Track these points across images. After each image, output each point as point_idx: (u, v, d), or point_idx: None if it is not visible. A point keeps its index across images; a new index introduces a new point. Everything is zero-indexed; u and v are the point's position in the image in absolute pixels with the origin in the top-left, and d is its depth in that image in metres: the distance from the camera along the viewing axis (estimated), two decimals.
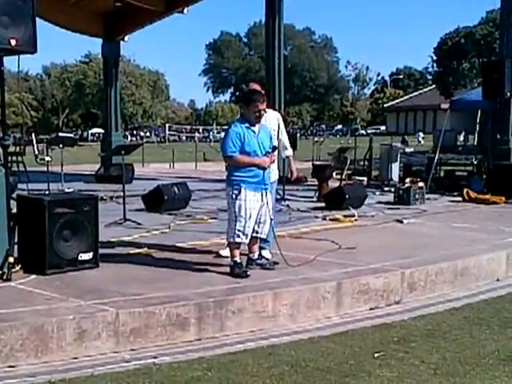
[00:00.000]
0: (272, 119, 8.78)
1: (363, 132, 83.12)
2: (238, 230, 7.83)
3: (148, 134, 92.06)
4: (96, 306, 6.38)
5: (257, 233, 8.06)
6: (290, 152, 9.19)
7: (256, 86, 8.83)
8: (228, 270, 7.95)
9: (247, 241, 7.98)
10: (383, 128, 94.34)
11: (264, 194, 7.97)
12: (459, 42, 50.82)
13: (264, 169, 7.91)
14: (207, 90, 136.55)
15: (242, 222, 7.81)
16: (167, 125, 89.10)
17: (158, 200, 12.99)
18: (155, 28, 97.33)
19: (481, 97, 16.97)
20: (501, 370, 5.89)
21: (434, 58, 60.57)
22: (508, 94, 16.21)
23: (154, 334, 6.37)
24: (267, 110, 8.25)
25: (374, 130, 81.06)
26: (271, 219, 8.13)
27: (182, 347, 6.42)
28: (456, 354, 6.34)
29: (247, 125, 7.89)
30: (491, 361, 6.14)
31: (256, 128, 7.94)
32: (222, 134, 8.80)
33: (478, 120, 20.42)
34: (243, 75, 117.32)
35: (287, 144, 9.16)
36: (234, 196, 7.82)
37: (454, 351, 6.41)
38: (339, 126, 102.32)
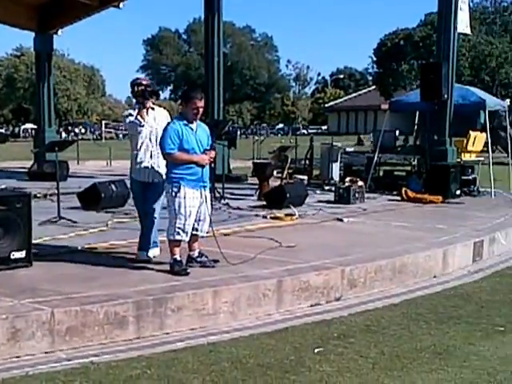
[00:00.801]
0: (160, 116, 8.53)
1: (304, 131, 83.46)
2: (178, 228, 7.81)
3: (83, 130, 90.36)
4: (30, 304, 6.28)
5: (196, 230, 8.05)
6: None
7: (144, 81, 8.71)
8: (168, 267, 7.91)
9: (187, 238, 7.96)
10: (325, 128, 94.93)
11: (203, 191, 7.97)
12: (398, 43, 51.41)
13: (203, 166, 7.91)
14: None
15: (181, 219, 7.80)
16: (103, 122, 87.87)
17: (94, 198, 12.80)
18: (91, 22, 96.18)
19: (419, 98, 17.19)
20: (437, 363, 6.00)
21: (374, 58, 61.19)
22: (445, 95, 16.47)
23: (92, 333, 6.30)
24: (156, 107, 8.40)
25: (315, 130, 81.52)
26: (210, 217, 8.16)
27: (120, 346, 6.36)
28: (394, 348, 6.43)
29: (185, 122, 7.88)
30: (428, 355, 6.25)
31: (194, 125, 7.94)
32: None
33: (416, 121, 20.67)
34: (183, 72, 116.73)
35: None
36: (173, 194, 7.80)
37: (392, 346, 6.50)
38: (280, 125, 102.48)
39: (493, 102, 19.35)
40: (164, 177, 8.15)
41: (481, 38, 41.48)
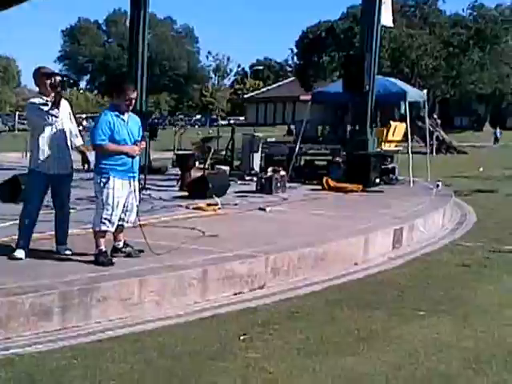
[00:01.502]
0: (63, 106, 8.27)
1: (222, 122, 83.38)
2: (105, 219, 7.79)
3: None
4: None
5: (123, 221, 8.05)
6: (80, 141, 8.60)
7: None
8: (93, 258, 7.88)
9: (113, 229, 7.95)
10: (242, 118, 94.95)
11: (132, 181, 7.99)
12: (320, 35, 51.87)
13: (133, 157, 7.93)
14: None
15: (109, 210, 7.78)
16: (17, 113, 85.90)
17: (14, 190, 12.61)
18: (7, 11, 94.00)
19: (341, 89, 17.42)
20: (361, 347, 6.16)
21: (295, 50, 61.68)
22: (367, 86, 16.75)
23: (17, 324, 6.24)
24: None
25: (233, 121, 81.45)
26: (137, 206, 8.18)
27: (45, 337, 6.30)
28: (318, 334, 6.57)
29: (117, 113, 7.88)
30: (351, 339, 6.42)
31: (125, 117, 7.94)
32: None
33: (337, 112, 21.01)
34: (101, 63, 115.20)
35: (77, 132, 8.62)
36: (102, 184, 7.78)
37: (317, 331, 6.64)
38: (198, 116, 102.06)
39: (413, 92, 19.79)
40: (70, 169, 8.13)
41: (402, 31, 42.16)
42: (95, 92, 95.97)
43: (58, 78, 8.13)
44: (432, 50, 42.88)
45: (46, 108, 7.94)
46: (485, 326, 6.82)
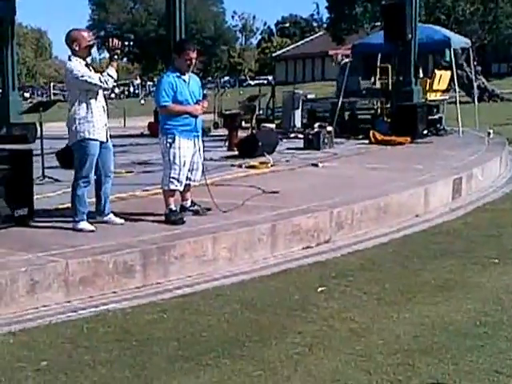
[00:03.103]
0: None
1: (250, 83, 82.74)
2: (173, 178, 7.88)
3: (30, 93, 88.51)
4: (45, 257, 6.34)
5: (190, 180, 8.14)
6: None
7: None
8: (163, 218, 7.99)
9: (181, 188, 8.04)
10: (271, 78, 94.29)
11: (196, 141, 8.07)
12: None
13: (196, 117, 8.01)
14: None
15: (176, 169, 7.87)
16: (52, 84, 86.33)
17: (72, 157, 12.67)
18: None
19: (382, 40, 17.27)
20: (440, 296, 6.20)
21: (324, 3, 60.89)
22: (409, 35, 16.57)
23: (102, 283, 6.40)
24: None
25: (262, 81, 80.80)
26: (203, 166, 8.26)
27: (129, 294, 6.46)
28: (394, 284, 6.62)
29: (178, 74, 7.93)
30: (429, 289, 6.46)
31: (186, 77, 7.99)
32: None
33: (378, 63, 20.75)
34: (129, 30, 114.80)
35: None
36: (168, 144, 7.86)
37: (392, 282, 6.69)
38: (226, 78, 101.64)
39: (457, 39, 19.55)
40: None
41: None
42: (125, 60, 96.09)
43: (116, 41, 7.93)
44: None
45: (110, 71, 7.56)
46: None
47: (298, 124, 19.60)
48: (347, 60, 22.68)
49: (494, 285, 6.48)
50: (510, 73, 71.21)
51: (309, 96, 22.92)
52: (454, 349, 4.95)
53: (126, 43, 7.87)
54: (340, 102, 18.34)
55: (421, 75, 18.67)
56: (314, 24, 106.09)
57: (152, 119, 20.12)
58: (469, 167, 11.68)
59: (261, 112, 22.02)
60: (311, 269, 7.29)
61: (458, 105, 17.05)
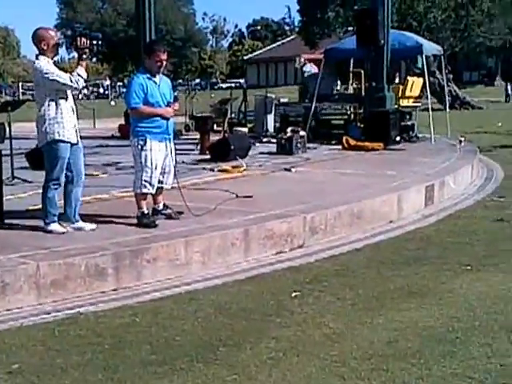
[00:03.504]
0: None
1: (222, 86, 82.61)
2: (145, 181, 7.83)
3: None
4: (16, 259, 6.27)
5: (161, 183, 8.09)
6: None
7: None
8: (135, 221, 7.93)
9: (153, 191, 8.00)
10: (243, 81, 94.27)
11: (168, 143, 8.04)
12: None
13: (167, 119, 7.96)
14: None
15: (148, 172, 7.82)
16: (20, 83, 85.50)
17: (42, 157, 12.54)
18: None
19: (354, 45, 17.28)
20: (414, 302, 6.21)
21: (296, 7, 60.83)
22: (382, 41, 16.60)
23: (74, 285, 6.33)
24: None
25: (234, 84, 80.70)
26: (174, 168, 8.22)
27: (102, 297, 6.41)
28: (368, 290, 6.62)
29: (148, 75, 7.88)
30: (403, 294, 6.46)
31: (157, 79, 7.94)
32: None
33: (350, 69, 20.80)
34: (98, 30, 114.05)
35: None
36: (139, 147, 7.81)
37: (366, 288, 6.69)
38: (197, 80, 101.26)
39: (429, 46, 19.63)
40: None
41: None
42: (94, 60, 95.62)
43: (88, 40, 7.58)
44: (440, 1, 42.43)
45: (78, 72, 7.35)
46: None
47: (271, 128, 19.61)
48: (312, 69, 22.59)
49: (466, 291, 6.49)
50: (481, 81, 71.96)
51: (281, 100, 22.94)
52: (427, 354, 4.96)
53: (95, 42, 7.73)
54: (313, 107, 18.33)
55: (397, 81, 18.74)
56: (286, 27, 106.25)
57: (122, 121, 20.02)
58: (441, 174, 11.72)
59: (233, 115, 21.97)
60: (285, 274, 7.28)
61: (430, 112, 17.13)
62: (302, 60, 22.76)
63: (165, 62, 7.98)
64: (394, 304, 6.17)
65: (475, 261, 7.50)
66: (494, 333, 5.37)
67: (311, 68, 22.78)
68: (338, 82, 21.18)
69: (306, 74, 22.89)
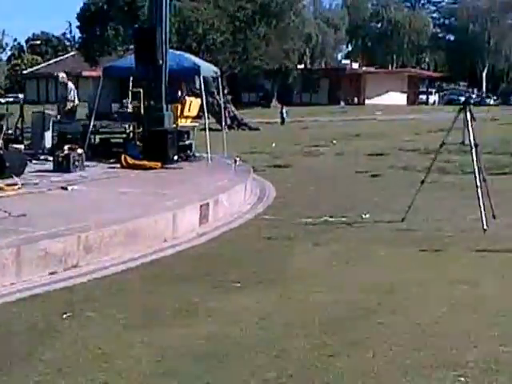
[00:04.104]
0: None
1: (1, 100, 79.84)
2: None
3: None
4: None
5: None
6: None
7: None
8: None
9: None
10: (22, 96, 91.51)
11: None
12: (102, 7, 50.70)
13: None
14: None
15: None
16: None
17: None
18: None
19: (133, 64, 17.32)
20: (184, 319, 6.38)
21: (76, 23, 60.12)
22: (160, 61, 16.77)
23: None
24: None
25: (12, 99, 78.25)
26: None
27: None
28: (140, 308, 6.73)
29: None
30: (174, 312, 6.59)
31: None
32: None
33: (130, 87, 20.78)
34: None
35: None
36: None
37: (138, 306, 6.80)
38: None
39: (207, 68, 20.07)
40: None
41: (187, 4, 42.24)
42: None
43: None
44: (218, 24, 43.57)
45: None
46: (300, 294, 7.20)
47: (49, 145, 19.18)
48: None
49: (234, 307, 6.74)
50: (259, 102, 74.53)
51: (59, 117, 22.48)
52: (194, 371, 5.12)
53: None
54: (91, 125, 18.16)
55: (187, 99, 18.95)
56: (67, 43, 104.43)
57: None
58: (216, 193, 12.00)
59: (10, 132, 21.28)
60: (57, 294, 7.21)
61: (207, 132, 17.49)
62: (62, 76, 22.15)
63: None
64: (166, 322, 6.31)
65: (244, 278, 7.76)
66: (255, 348, 5.59)
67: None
68: (124, 101, 21.00)
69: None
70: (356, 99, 78.11)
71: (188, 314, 6.55)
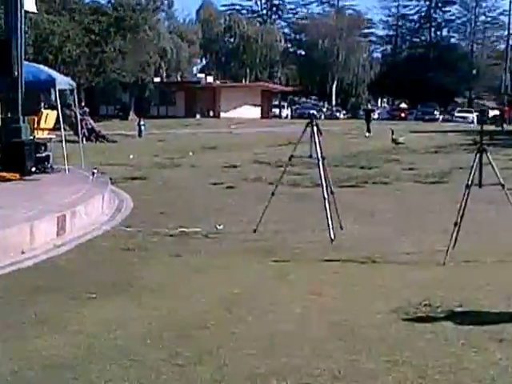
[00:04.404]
0: None
1: None
2: None
3: None
4: None
5: None
6: None
7: None
8: None
9: None
10: None
11: None
12: None
13: None
14: None
15: None
16: None
17: None
18: None
19: None
20: (40, 331, 6.44)
21: None
22: (16, 72, 16.66)
23: None
24: None
25: None
26: None
27: None
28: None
29: None
30: (32, 324, 6.66)
31: None
32: None
33: None
34: None
35: None
36: None
37: None
38: None
39: (62, 80, 20.02)
40: None
41: (42, 16, 41.55)
42: None
43: None
44: (74, 36, 43.16)
45: None
46: (156, 305, 7.41)
47: None
48: None
49: (91, 318, 6.88)
50: (117, 115, 74.08)
51: None
52: (46, 381, 5.30)
53: None
54: None
55: (43, 111, 18.75)
56: None
57: None
58: (73, 205, 12.05)
59: None
60: None
61: (64, 144, 17.47)
62: None
63: None
64: (22, 333, 6.37)
65: (100, 289, 7.91)
66: (110, 358, 5.75)
67: None
68: None
69: None
70: (212, 112, 78.90)
71: (46, 325, 6.63)
